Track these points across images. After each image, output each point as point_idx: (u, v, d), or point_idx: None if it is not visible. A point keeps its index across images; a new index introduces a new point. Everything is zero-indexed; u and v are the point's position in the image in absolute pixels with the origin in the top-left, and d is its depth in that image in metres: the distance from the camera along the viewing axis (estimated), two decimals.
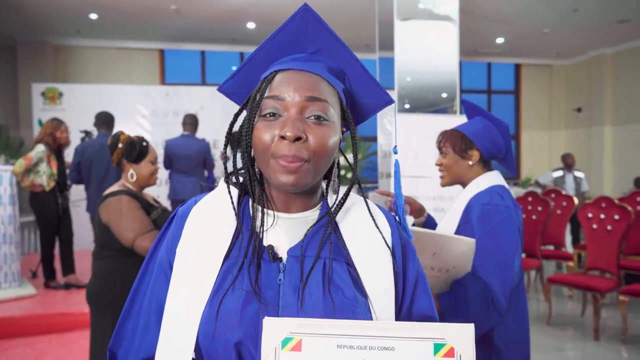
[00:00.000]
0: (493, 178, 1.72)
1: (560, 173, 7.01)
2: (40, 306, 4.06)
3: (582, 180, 6.98)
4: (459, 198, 1.74)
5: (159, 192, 6.17)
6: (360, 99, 0.88)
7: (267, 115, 0.77)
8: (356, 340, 0.63)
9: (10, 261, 4.39)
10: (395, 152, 0.98)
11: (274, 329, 0.64)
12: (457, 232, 1.67)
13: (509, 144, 1.76)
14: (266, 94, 0.77)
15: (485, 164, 1.76)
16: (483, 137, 1.72)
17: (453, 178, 1.77)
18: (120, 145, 2.15)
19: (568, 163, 6.93)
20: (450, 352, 0.63)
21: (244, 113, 0.82)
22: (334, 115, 0.79)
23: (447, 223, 1.72)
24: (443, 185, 1.80)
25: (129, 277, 1.98)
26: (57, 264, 4.71)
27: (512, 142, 10.33)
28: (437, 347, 0.63)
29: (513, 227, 1.60)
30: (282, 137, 0.74)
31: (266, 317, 0.65)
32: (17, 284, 4.43)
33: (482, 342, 1.61)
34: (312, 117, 0.76)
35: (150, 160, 2.16)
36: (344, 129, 0.86)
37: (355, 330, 0.64)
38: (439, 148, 1.81)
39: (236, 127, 0.84)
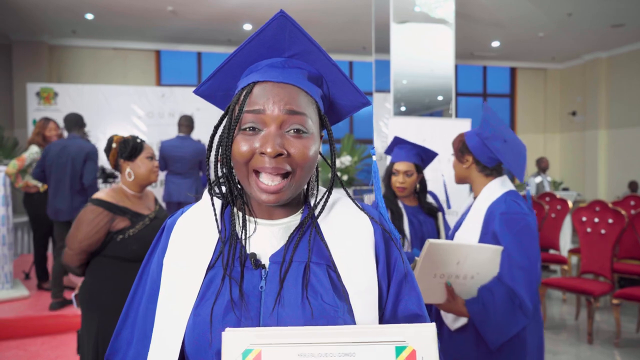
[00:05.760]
0: (502, 185, 1.82)
1: (540, 179, 7.05)
2: (33, 308, 4.03)
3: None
4: (474, 208, 1.84)
5: (154, 193, 6.14)
6: (338, 101, 0.88)
7: (247, 130, 0.77)
8: (317, 348, 0.62)
9: (3, 262, 4.36)
10: (373, 154, 1.00)
11: (234, 341, 0.63)
12: (479, 241, 1.75)
13: (523, 160, 1.82)
14: (245, 108, 0.77)
15: (485, 168, 1.86)
16: (480, 148, 1.83)
17: (458, 178, 1.93)
18: (114, 145, 2.12)
19: (542, 167, 7.01)
20: (412, 355, 0.62)
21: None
22: (312, 127, 0.79)
23: (468, 234, 1.80)
24: (456, 182, 1.96)
25: (115, 281, 2.02)
26: (51, 266, 4.68)
27: None
28: (399, 350, 0.62)
29: (533, 233, 1.69)
30: (262, 153, 0.75)
31: (227, 329, 0.64)
32: (10, 286, 4.40)
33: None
34: (292, 131, 0.77)
35: (146, 157, 2.10)
36: (322, 134, 0.87)
37: (316, 337, 0.62)
38: None
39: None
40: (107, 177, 4.49)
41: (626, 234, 4.46)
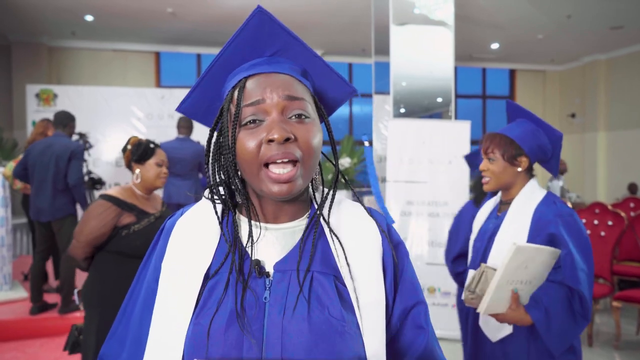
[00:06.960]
0: (539, 186, 1.75)
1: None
2: None
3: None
4: (514, 210, 1.72)
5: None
6: (325, 94, 0.86)
7: (248, 124, 0.74)
8: None
9: (2, 264, 4.36)
10: (365, 140, 0.96)
11: None
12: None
13: (558, 150, 1.75)
14: (242, 103, 0.75)
15: (531, 168, 1.76)
16: (532, 142, 1.72)
17: (499, 184, 1.76)
18: (129, 147, 2.21)
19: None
20: None
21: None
22: (312, 113, 0.77)
23: (516, 237, 1.67)
24: (487, 190, 1.80)
25: (117, 277, 2.05)
26: (50, 267, 4.67)
27: None
28: None
29: (587, 235, 1.64)
30: (270, 141, 0.72)
31: None
32: (9, 287, 4.39)
33: None
34: (294, 117, 0.75)
35: (156, 162, 2.19)
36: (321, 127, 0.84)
37: None
38: (485, 153, 1.78)
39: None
40: (95, 183, 4.45)
41: (626, 236, 4.46)
